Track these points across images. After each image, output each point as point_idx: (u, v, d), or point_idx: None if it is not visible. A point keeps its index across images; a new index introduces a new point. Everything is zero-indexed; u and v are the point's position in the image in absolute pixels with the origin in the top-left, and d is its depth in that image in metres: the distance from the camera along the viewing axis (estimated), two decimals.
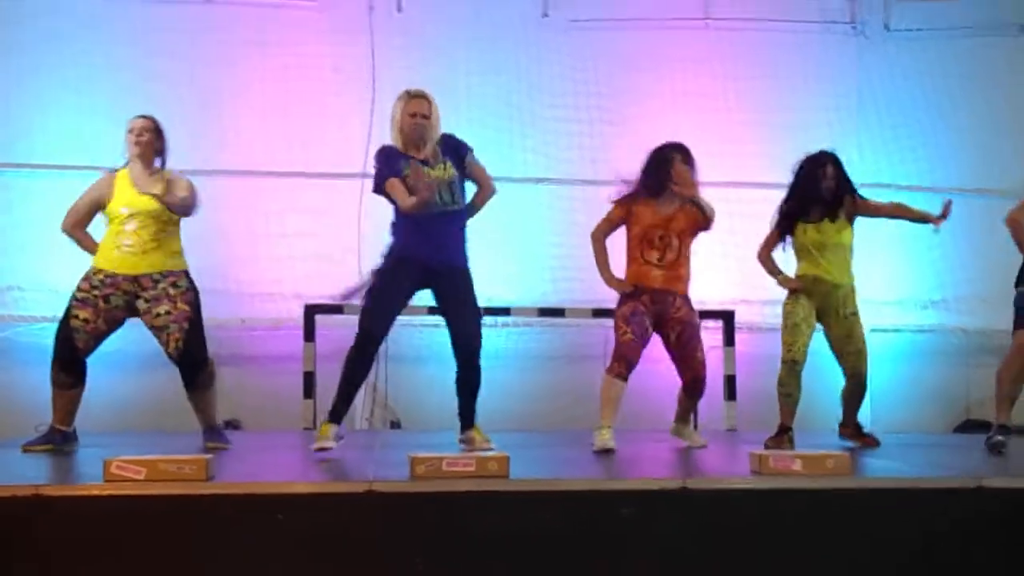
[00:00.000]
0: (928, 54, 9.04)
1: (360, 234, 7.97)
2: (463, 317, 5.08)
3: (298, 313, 8.06)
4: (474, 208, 5.25)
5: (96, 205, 5.27)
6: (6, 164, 8.22)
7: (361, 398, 8.13)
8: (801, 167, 5.74)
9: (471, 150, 5.19)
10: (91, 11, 8.29)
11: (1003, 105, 8.93)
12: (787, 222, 5.72)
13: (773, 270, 5.78)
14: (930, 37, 9.05)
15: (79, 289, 5.11)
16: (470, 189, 5.22)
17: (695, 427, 5.95)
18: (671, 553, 3.37)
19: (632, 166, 8.57)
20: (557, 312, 8.28)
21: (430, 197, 4.84)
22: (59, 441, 5.10)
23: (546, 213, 8.64)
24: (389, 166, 4.99)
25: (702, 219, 5.42)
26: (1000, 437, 5.21)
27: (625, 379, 5.25)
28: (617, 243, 5.68)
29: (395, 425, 8.12)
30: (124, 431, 6.57)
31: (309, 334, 7.95)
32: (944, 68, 8.99)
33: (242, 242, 8.21)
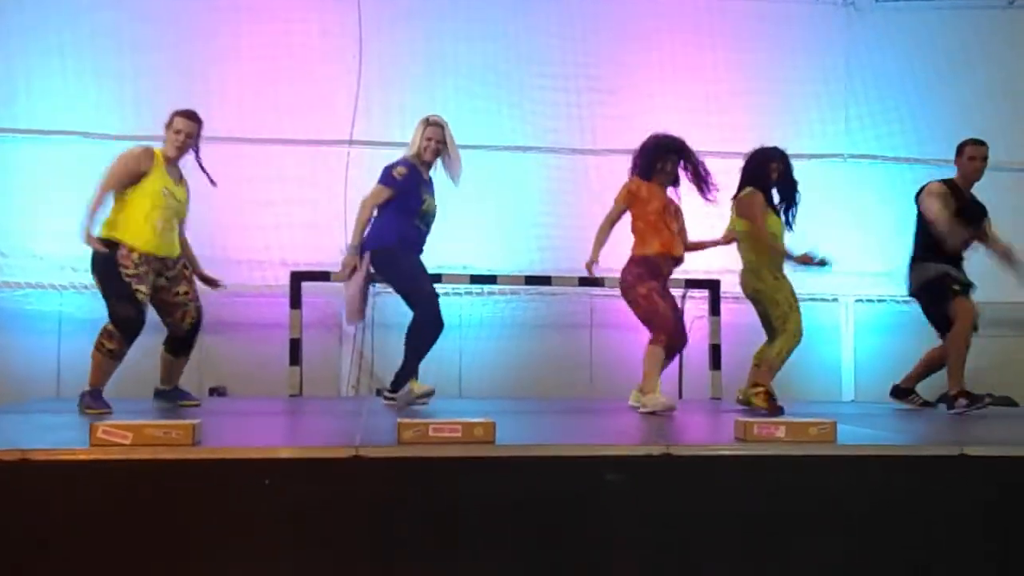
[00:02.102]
0: (916, 26, 9.04)
1: (346, 201, 7.95)
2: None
3: (284, 280, 8.05)
4: None
5: (132, 177, 5.37)
6: None
7: (347, 366, 8.16)
8: (756, 159, 6.03)
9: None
10: None
11: (990, 77, 8.94)
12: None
13: (782, 249, 5.89)
14: (919, 8, 9.05)
15: (122, 267, 5.24)
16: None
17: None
18: (655, 518, 3.39)
19: (620, 136, 8.60)
20: (543, 280, 8.28)
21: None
22: None
23: (533, 182, 8.63)
24: (407, 181, 5.80)
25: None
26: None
27: (674, 355, 5.86)
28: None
29: (381, 392, 8.12)
30: (111, 397, 6.56)
31: (295, 301, 7.94)
32: (932, 40, 8.99)
33: (228, 209, 8.16)
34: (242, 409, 5.69)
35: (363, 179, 6.43)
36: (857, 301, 8.90)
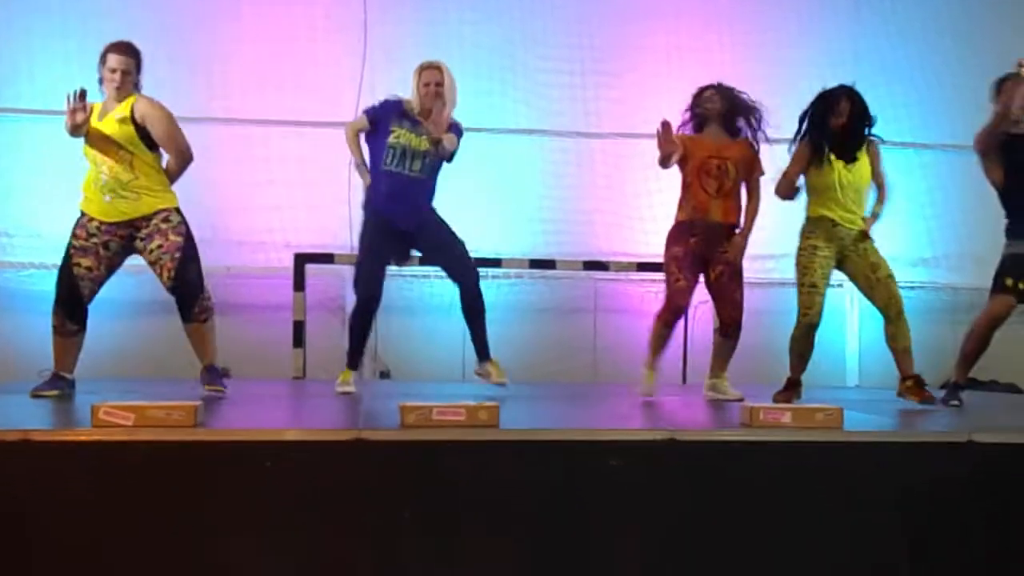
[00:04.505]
0: (924, 10, 8.98)
1: (350, 184, 7.91)
2: (453, 259, 5.65)
3: (288, 262, 8.03)
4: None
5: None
6: None
7: None
8: (814, 103, 5.57)
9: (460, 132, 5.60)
10: None
11: (997, 62, 8.85)
12: (805, 160, 5.46)
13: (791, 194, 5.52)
14: None
15: (75, 236, 5.03)
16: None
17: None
18: (659, 504, 3.37)
19: (623, 120, 8.55)
20: (548, 264, 8.26)
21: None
22: (65, 387, 5.04)
23: (537, 164, 8.60)
24: (382, 109, 5.58)
25: (754, 158, 5.55)
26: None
27: (673, 326, 5.44)
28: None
29: (384, 375, 8.12)
30: (116, 377, 6.55)
31: (299, 283, 7.93)
32: (939, 25, 8.94)
33: (232, 191, 8.15)
34: (245, 391, 5.67)
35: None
36: None
